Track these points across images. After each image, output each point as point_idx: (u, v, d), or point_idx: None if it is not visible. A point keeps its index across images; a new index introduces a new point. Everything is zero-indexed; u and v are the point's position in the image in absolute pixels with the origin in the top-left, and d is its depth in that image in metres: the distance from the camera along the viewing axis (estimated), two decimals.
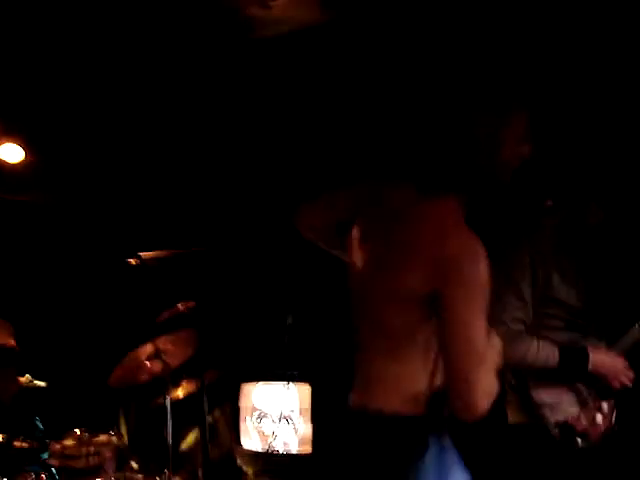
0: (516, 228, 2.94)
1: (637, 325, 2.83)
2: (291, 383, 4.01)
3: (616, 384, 2.78)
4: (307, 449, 3.92)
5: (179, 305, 3.85)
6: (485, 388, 1.97)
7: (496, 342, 2.08)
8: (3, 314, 3.81)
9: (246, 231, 4.27)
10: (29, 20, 2.99)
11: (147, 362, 3.81)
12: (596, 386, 2.81)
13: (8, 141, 4.07)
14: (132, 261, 3.71)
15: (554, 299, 2.81)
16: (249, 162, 4.03)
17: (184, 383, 3.97)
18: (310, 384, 4.02)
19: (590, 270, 2.88)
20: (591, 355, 2.75)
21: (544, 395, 2.77)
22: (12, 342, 3.80)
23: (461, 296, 1.95)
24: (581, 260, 2.88)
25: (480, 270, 1.95)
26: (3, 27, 2.98)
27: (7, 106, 3.65)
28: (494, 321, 2.11)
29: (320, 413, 3.96)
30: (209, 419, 3.88)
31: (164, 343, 3.84)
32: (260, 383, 4.00)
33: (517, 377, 2.81)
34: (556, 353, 2.73)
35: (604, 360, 2.78)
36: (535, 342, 2.70)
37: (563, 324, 2.82)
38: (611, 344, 2.88)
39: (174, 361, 3.91)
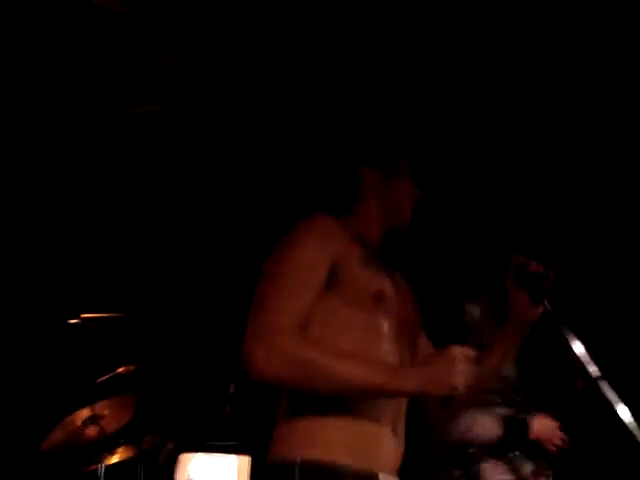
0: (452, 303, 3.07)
1: None
2: (231, 454, 3.79)
3: (551, 447, 2.83)
4: None
5: (119, 368, 3.86)
6: None
7: None
8: None
9: (190, 297, 4.30)
10: None
11: (83, 427, 3.78)
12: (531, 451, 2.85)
13: None
14: (72, 321, 3.80)
15: None
16: (192, 227, 4.17)
17: (120, 449, 3.86)
18: (251, 456, 3.79)
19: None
20: (530, 424, 2.83)
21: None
22: None
23: None
24: None
25: None
26: None
27: None
28: None
29: None
30: None
31: (102, 408, 3.82)
32: (198, 453, 3.80)
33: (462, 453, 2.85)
34: (496, 426, 2.80)
35: (542, 426, 2.84)
36: (478, 416, 2.77)
37: (501, 400, 2.88)
38: None
39: (111, 427, 3.86)
